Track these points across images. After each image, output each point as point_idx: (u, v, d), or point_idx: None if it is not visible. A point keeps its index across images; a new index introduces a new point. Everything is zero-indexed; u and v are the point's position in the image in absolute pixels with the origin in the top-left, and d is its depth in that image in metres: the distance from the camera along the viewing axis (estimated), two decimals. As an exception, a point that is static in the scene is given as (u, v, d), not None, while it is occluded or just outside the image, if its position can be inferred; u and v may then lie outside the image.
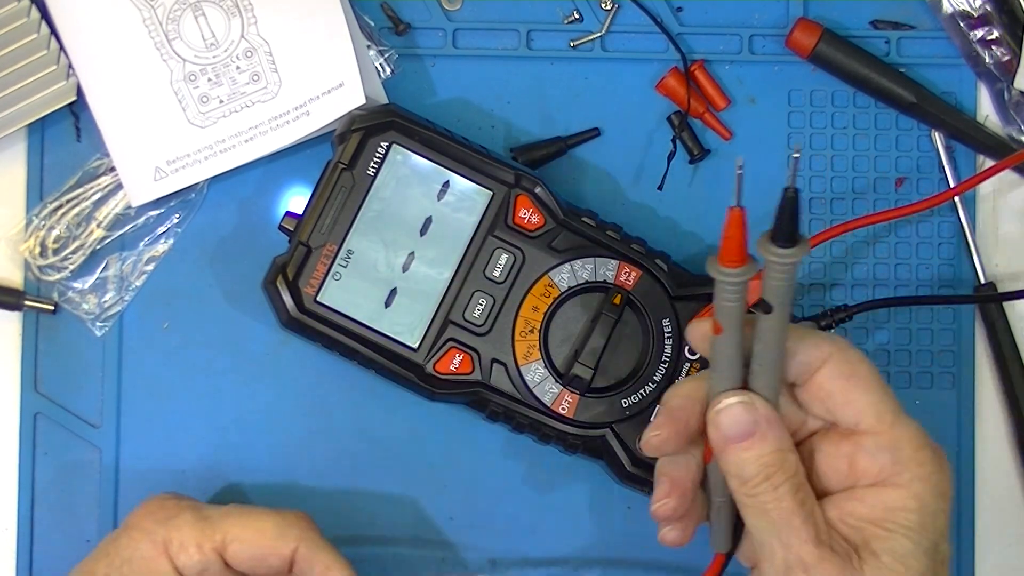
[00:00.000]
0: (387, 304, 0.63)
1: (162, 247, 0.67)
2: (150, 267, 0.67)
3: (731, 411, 0.51)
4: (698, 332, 0.53)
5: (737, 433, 0.51)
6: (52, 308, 0.67)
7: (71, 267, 0.67)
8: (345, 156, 0.63)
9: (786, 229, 0.46)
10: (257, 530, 0.59)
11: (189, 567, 0.58)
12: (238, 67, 0.66)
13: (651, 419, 0.62)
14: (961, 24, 0.68)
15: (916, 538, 0.51)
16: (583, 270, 0.63)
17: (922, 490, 0.51)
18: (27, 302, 0.67)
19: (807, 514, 0.51)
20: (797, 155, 0.47)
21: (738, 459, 0.51)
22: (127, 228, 0.67)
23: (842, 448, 0.53)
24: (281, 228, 0.64)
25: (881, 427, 0.52)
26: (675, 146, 0.68)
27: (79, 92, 0.66)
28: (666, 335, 0.63)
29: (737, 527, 0.55)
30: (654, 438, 0.53)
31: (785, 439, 0.51)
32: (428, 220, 0.63)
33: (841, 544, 0.51)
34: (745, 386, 0.52)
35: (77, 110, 0.67)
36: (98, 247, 0.67)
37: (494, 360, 0.63)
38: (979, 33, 0.68)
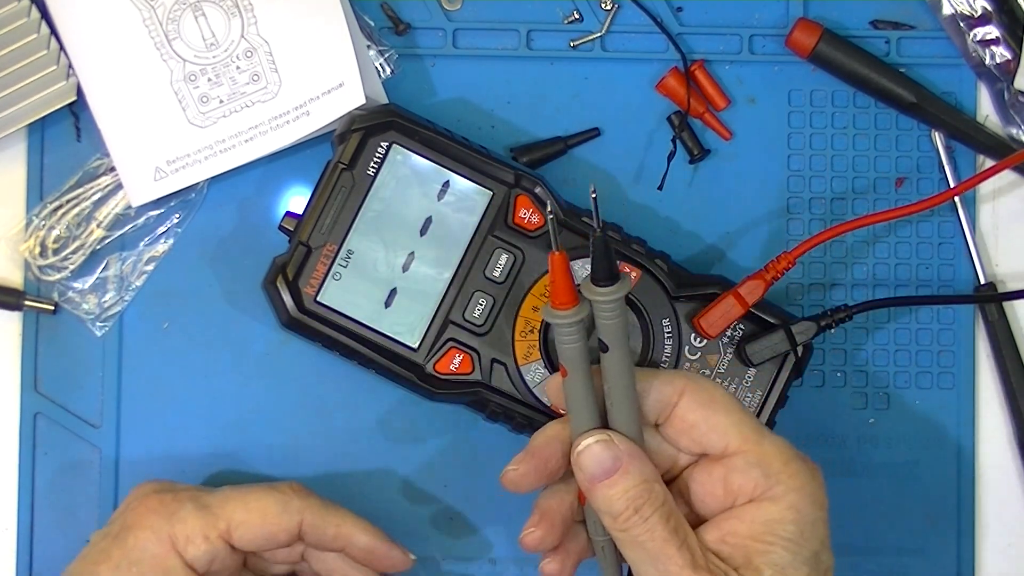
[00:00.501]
0: (387, 304, 0.63)
1: (162, 247, 0.67)
2: (150, 267, 0.67)
3: (591, 451, 0.53)
4: (552, 386, 0.55)
5: (600, 471, 0.53)
6: (52, 308, 0.67)
7: (71, 267, 0.67)
8: (345, 156, 0.63)
9: (603, 269, 0.50)
10: (260, 511, 0.59)
11: (199, 559, 0.58)
12: (238, 67, 0.66)
13: None
14: (961, 24, 0.68)
15: (796, 549, 0.52)
16: (583, 270, 0.63)
17: (797, 500, 0.53)
18: (27, 302, 0.67)
19: (680, 541, 0.52)
20: (594, 195, 0.50)
21: (605, 496, 0.52)
22: (127, 228, 0.67)
23: (715, 473, 0.54)
24: (281, 228, 0.64)
25: (747, 445, 0.53)
26: (675, 146, 0.68)
27: (79, 92, 0.66)
28: (666, 335, 0.63)
29: (625, 564, 0.56)
30: (511, 472, 0.55)
31: (648, 470, 0.53)
32: (428, 220, 0.63)
33: (720, 566, 0.52)
34: (605, 425, 0.54)
35: (77, 110, 0.67)
36: (98, 247, 0.67)
37: (494, 360, 0.63)
38: (979, 33, 0.68)
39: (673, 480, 0.56)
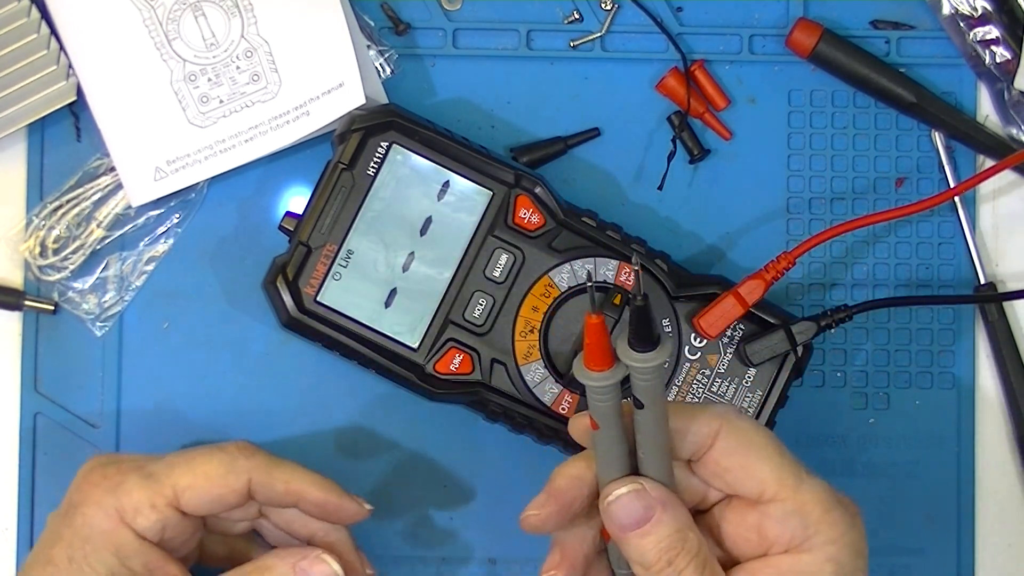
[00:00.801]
0: (387, 304, 0.63)
1: (162, 247, 0.67)
2: (150, 267, 0.67)
3: (622, 500, 0.51)
4: (578, 427, 0.52)
5: (632, 521, 0.51)
6: (52, 308, 0.67)
7: (71, 267, 0.67)
8: (345, 156, 0.63)
9: (642, 335, 0.47)
10: (205, 475, 0.58)
11: (149, 529, 0.57)
12: (238, 67, 0.66)
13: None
14: (961, 24, 0.68)
15: None
16: (583, 270, 0.63)
17: (836, 552, 0.51)
18: (27, 302, 0.67)
19: None
20: (638, 267, 0.48)
21: (638, 546, 0.51)
22: (127, 228, 0.67)
23: (748, 518, 0.52)
24: (281, 228, 0.64)
25: (785, 493, 0.51)
26: (675, 146, 0.68)
27: (79, 92, 0.66)
28: (666, 335, 0.63)
29: None
30: (532, 517, 0.53)
31: (683, 518, 0.51)
32: (428, 220, 0.63)
33: None
34: (636, 471, 0.51)
35: (77, 110, 0.67)
36: (98, 247, 0.67)
37: (494, 360, 0.63)
38: (979, 33, 0.68)
39: (704, 512, 0.54)
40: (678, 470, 0.53)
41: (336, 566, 0.58)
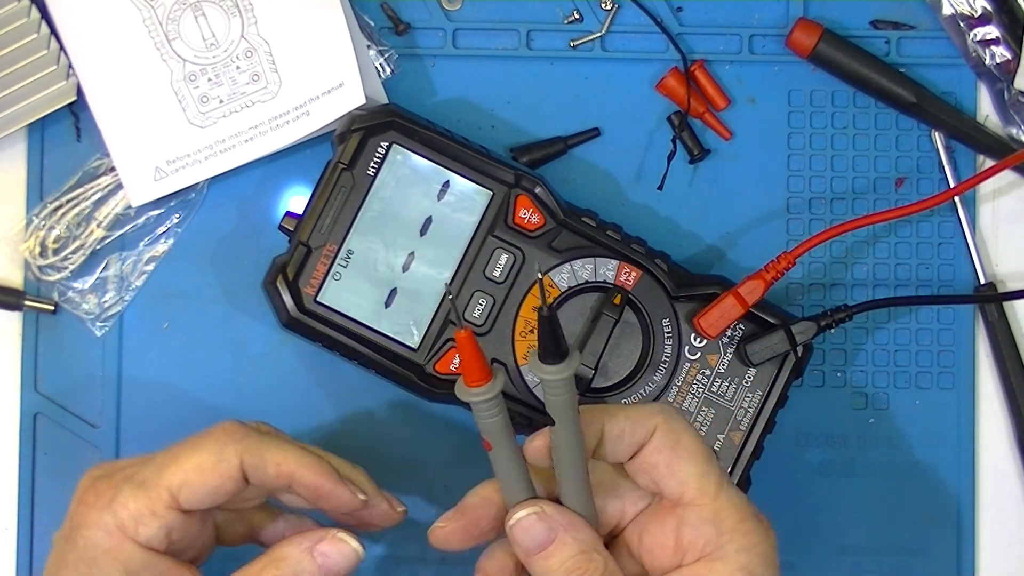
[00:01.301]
0: (387, 304, 0.63)
1: (162, 247, 0.67)
2: (150, 267, 0.67)
3: (523, 523, 0.52)
4: (529, 449, 0.52)
5: (535, 544, 0.51)
6: (52, 308, 0.67)
7: (71, 267, 0.67)
8: (345, 156, 0.63)
9: (549, 348, 0.48)
10: (196, 469, 0.55)
11: (153, 538, 0.55)
12: (238, 67, 0.66)
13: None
14: (961, 24, 0.68)
15: None
16: (583, 270, 0.63)
17: (748, 561, 0.51)
18: (27, 302, 0.67)
19: None
20: (540, 275, 0.49)
21: (543, 568, 0.51)
22: (127, 228, 0.67)
23: (667, 524, 0.53)
24: (281, 228, 0.64)
25: (703, 499, 0.52)
26: (675, 146, 0.68)
27: (79, 92, 0.66)
28: (666, 335, 0.63)
29: None
30: (439, 530, 0.54)
31: (587, 538, 0.52)
32: (428, 220, 0.63)
33: None
34: (539, 495, 0.52)
35: (77, 110, 0.67)
36: (98, 247, 0.67)
37: (494, 360, 0.63)
38: (979, 33, 0.68)
39: (622, 530, 0.55)
40: (611, 474, 0.54)
41: (355, 543, 0.56)
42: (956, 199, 0.68)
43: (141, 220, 0.67)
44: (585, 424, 0.51)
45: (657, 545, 0.53)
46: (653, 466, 0.52)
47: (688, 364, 0.63)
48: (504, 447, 0.51)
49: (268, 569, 0.55)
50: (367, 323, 0.63)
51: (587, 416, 0.52)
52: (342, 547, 0.56)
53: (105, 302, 0.67)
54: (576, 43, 0.68)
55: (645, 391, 0.63)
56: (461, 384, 0.49)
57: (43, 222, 0.67)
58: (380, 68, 0.67)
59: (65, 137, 0.68)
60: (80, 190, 0.67)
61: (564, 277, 0.63)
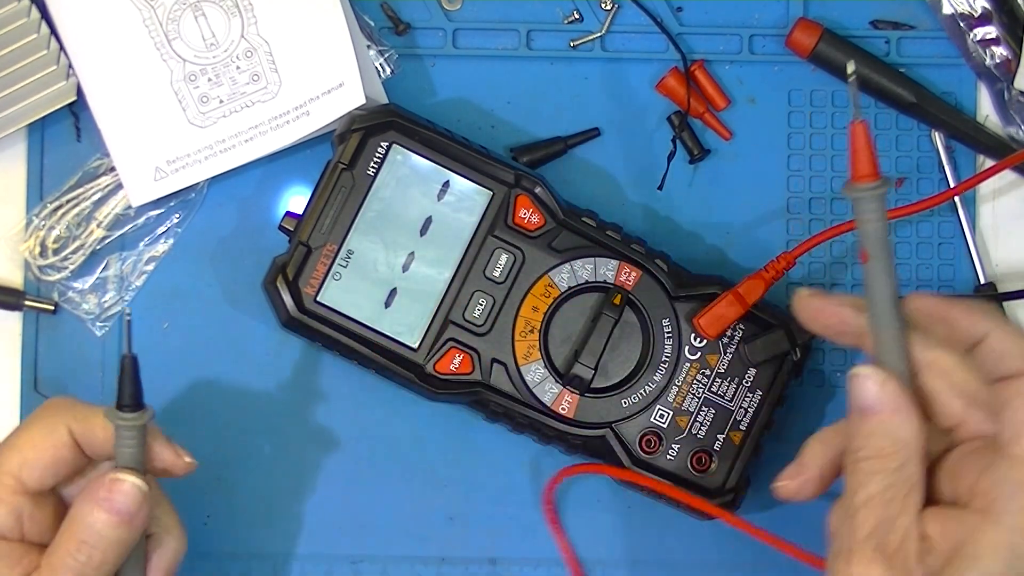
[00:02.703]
0: (387, 304, 0.63)
1: (162, 247, 0.67)
2: (150, 267, 0.67)
3: (867, 385, 0.51)
4: (801, 298, 0.52)
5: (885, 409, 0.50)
6: (52, 308, 0.67)
7: (71, 267, 0.67)
8: (345, 156, 0.63)
9: (127, 392, 0.52)
10: (30, 445, 0.55)
11: (6, 526, 0.55)
12: (238, 67, 0.66)
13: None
14: (961, 24, 0.68)
15: None
16: (583, 270, 0.63)
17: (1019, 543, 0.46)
18: (27, 302, 0.67)
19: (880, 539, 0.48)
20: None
21: (866, 430, 0.50)
22: (127, 228, 0.67)
23: (982, 461, 0.48)
24: (281, 228, 0.64)
25: None
26: (675, 146, 0.68)
27: (79, 92, 0.66)
28: (666, 335, 0.63)
29: None
30: (784, 488, 0.53)
31: (914, 445, 0.49)
32: (428, 220, 0.63)
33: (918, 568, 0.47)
34: (901, 323, 0.50)
35: (77, 110, 0.67)
36: (98, 247, 0.67)
37: (494, 360, 0.63)
38: (979, 33, 0.68)
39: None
40: (976, 384, 0.50)
41: (135, 479, 0.54)
42: (956, 199, 0.68)
43: (141, 220, 0.67)
44: (968, 323, 0.50)
45: (960, 469, 0.49)
46: (1013, 408, 0.48)
47: (688, 364, 0.63)
48: (880, 260, 0.49)
49: (64, 535, 0.55)
50: (367, 323, 0.63)
51: (971, 314, 0.50)
52: (121, 486, 0.54)
53: (105, 302, 0.67)
54: (576, 43, 0.68)
55: (645, 391, 0.63)
56: (849, 182, 0.48)
57: (43, 222, 0.67)
58: (380, 68, 0.67)
59: (65, 137, 0.68)
60: (80, 190, 0.67)
61: (564, 277, 0.63)
